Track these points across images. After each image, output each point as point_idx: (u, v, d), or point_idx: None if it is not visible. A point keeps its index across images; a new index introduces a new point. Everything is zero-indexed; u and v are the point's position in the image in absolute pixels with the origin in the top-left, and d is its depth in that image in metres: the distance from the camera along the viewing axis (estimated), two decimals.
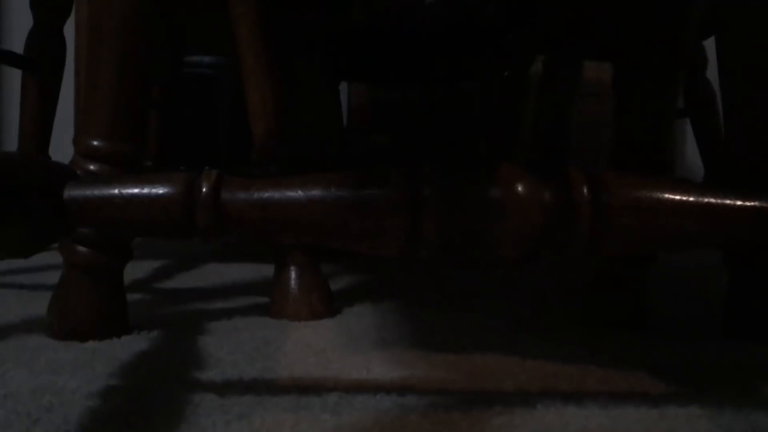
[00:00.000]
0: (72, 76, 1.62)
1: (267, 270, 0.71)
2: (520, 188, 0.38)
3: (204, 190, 0.38)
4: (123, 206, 0.37)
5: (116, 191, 0.37)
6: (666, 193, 0.38)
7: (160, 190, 0.37)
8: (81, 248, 0.55)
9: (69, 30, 1.04)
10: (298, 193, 0.38)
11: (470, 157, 1.63)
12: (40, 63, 0.98)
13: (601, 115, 2.00)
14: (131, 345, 0.53)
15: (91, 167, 0.54)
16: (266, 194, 0.38)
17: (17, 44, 1.03)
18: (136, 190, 0.37)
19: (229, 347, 0.53)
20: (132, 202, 0.37)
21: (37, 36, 0.98)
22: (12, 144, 1.07)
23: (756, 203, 0.39)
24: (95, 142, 0.55)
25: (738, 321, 0.59)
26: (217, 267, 0.93)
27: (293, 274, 0.65)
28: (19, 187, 0.34)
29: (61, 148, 1.16)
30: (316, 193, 0.38)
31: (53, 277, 0.61)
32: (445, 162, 0.39)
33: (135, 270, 0.87)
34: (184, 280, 0.83)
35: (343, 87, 2.11)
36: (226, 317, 0.63)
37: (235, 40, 0.71)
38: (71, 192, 0.37)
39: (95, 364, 0.48)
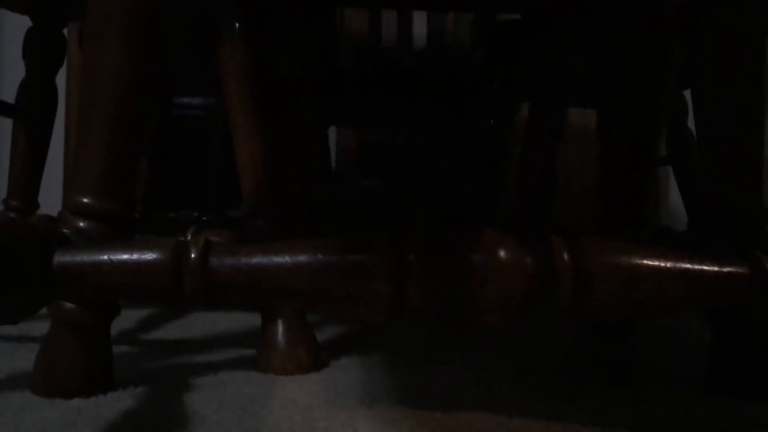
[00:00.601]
0: (63, 124, 1.63)
1: (255, 319, 0.71)
2: (502, 254, 0.39)
3: (192, 256, 0.38)
4: (112, 273, 0.37)
5: (105, 257, 0.38)
6: (644, 259, 0.39)
7: (149, 257, 0.38)
8: (68, 305, 0.55)
9: (61, 79, 1.05)
10: (285, 259, 0.39)
11: (458, 204, 1.64)
12: (31, 112, 0.98)
13: (586, 159, 2.03)
14: (117, 403, 0.53)
15: (81, 224, 0.55)
16: (254, 260, 0.39)
17: (7, 93, 1.04)
18: (125, 257, 0.38)
19: (215, 404, 0.53)
20: (120, 269, 0.37)
21: (29, 85, 0.99)
22: (0, 190, 1.07)
23: (731, 269, 0.40)
24: (85, 199, 0.55)
25: (721, 376, 0.60)
26: (205, 316, 0.93)
27: (280, 328, 0.66)
28: (8, 257, 0.35)
29: (49, 195, 1.17)
30: (302, 259, 0.39)
31: (40, 328, 0.61)
32: (431, 217, 0.40)
33: (121, 320, 0.86)
34: (171, 331, 0.83)
35: (332, 129, 2.13)
36: (213, 371, 0.63)
37: (224, 94, 0.73)
38: (61, 258, 0.38)
39: (81, 424, 0.48)
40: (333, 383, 0.61)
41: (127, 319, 0.89)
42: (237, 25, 0.71)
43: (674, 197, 2.00)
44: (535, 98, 1.42)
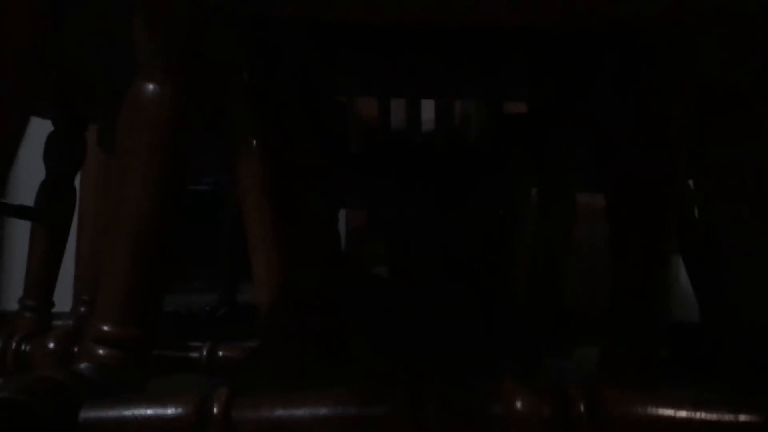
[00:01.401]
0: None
1: None
2: (519, 404, 0.40)
3: (215, 411, 0.39)
4: (136, 429, 0.38)
5: (130, 413, 0.38)
6: (660, 408, 0.40)
7: (173, 412, 0.39)
8: None
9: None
10: (305, 412, 0.39)
11: (469, 291, 1.64)
12: (49, 214, 1.01)
13: (594, 239, 2.05)
14: None
15: (101, 352, 0.56)
16: (275, 414, 0.39)
17: (24, 195, 1.07)
18: (149, 412, 0.38)
19: None
20: (145, 426, 0.38)
21: (48, 188, 1.02)
22: (13, 291, 1.08)
23: (748, 418, 0.40)
24: (106, 328, 0.56)
25: None
26: None
27: None
28: (34, 417, 0.36)
29: (64, 293, 1.18)
30: (323, 412, 0.39)
31: None
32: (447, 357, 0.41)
33: None
34: None
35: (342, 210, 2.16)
36: None
37: (242, 206, 0.75)
38: (87, 414, 0.38)
39: None
40: None
41: None
42: (254, 142, 0.74)
43: (684, 280, 2.00)
44: (543, 185, 1.44)
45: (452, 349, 1.11)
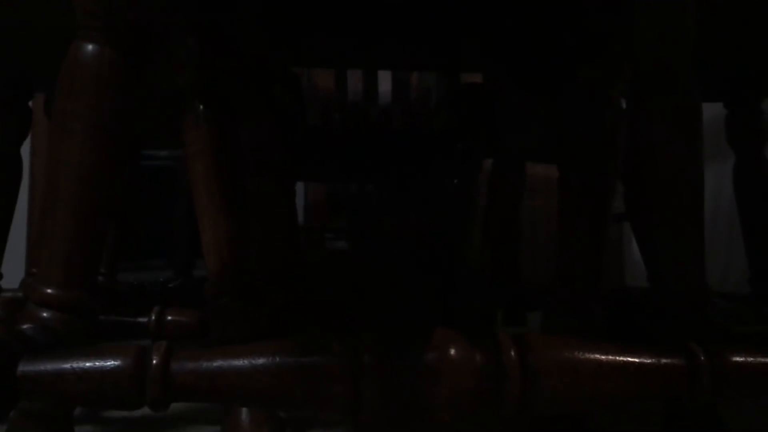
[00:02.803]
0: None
1: None
2: (453, 352, 0.41)
3: (154, 362, 0.39)
4: (75, 381, 0.38)
5: (69, 366, 0.39)
6: (587, 353, 0.42)
7: (111, 364, 0.39)
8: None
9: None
10: (244, 363, 0.40)
11: (425, 258, 1.66)
12: None
13: (551, 209, 2.09)
14: None
15: (44, 314, 0.56)
16: (214, 364, 0.40)
17: None
18: (87, 365, 0.39)
19: None
20: (83, 378, 0.38)
21: None
22: None
23: (669, 361, 0.42)
24: (49, 290, 0.56)
25: None
26: None
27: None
28: None
29: (12, 267, 1.16)
30: (261, 362, 0.40)
31: None
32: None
33: None
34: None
35: (300, 183, 2.15)
36: None
37: (188, 173, 0.75)
38: (25, 368, 0.39)
39: None
40: None
41: None
42: (201, 107, 0.74)
43: (636, 251, 2.05)
44: (498, 155, 1.46)
45: (404, 312, 1.13)
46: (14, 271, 1.13)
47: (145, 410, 0.82)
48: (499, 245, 1.43)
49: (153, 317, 0.71)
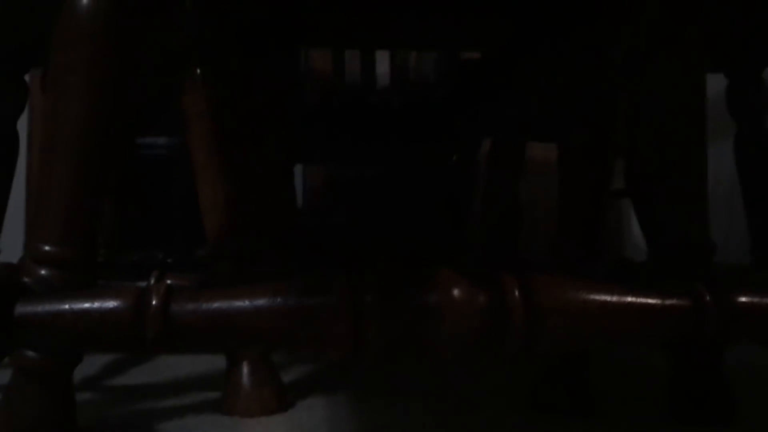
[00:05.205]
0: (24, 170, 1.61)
1: (220, 362, 0.71)
2: (456, 292, 0.40)
3: (153, 303, 0.39)
4: (73, 322, 0.38)
5: (67, 306, 0.38)
6: (592, 294, 0.41)
7: (110, 305, 0.38)
8: (29, 353, 0.55)
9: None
10: (245, 303, 0.39)
11: (424, 237, 1.66)
12: None
13: (550, 190, 2.08)
14: None
15: (43, 272, 0.55)
16: (214, 305, 0.39)
17: None
18: (86, 305, 0.38)
19: None
20: (82, 318, 0.38)
21: None
22: None
23: (674, 302, 0.42)
24: (47, 248, 0.55)
25: (681, 405, 0.61)
26: (169, 360, 0.93)
27: (245, 370, 0.66)
28: None
29: (12, 240, 1.16)
30: (262, 302, 0.39)
31: (2, 376, 0.60)
32: (395, 254, 0.41)
33: (85, 366, 0.86)
34: (136, 375, 0.82)
35: (299, 167, 2.14)
36: (178, 416, 0.63)
37: (186, 136, 0.74)
38: (22, 309, 0.38)
39: None
40: (299, 424, 0.61)
41: (90, 364, 0.88)
42: (199, 71, 0.73)
43: (638, 229, 2.05)
44: (496, 134, 1.45)
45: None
46: (12, 248, 1.12)
47: (147, 376, 0.81)
48: (498, 223, 1.43)
49: (152, 281, 0.70)
